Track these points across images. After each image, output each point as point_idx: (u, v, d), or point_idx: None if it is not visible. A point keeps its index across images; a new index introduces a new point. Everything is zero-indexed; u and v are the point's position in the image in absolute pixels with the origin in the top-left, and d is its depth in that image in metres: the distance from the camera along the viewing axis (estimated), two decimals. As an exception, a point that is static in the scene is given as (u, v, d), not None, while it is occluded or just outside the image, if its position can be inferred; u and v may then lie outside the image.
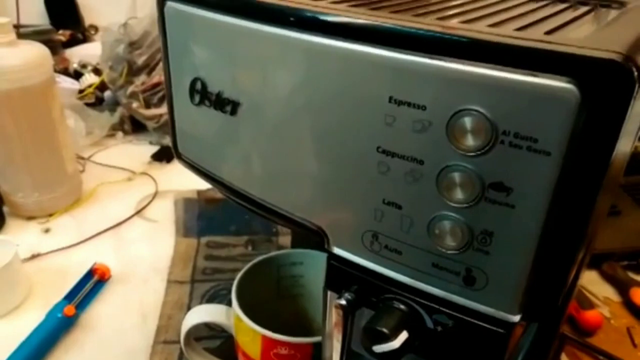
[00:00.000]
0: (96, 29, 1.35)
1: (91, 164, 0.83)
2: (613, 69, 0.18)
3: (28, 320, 0.51)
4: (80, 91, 0.97)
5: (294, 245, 0.56)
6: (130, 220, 0.70)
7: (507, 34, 0.21)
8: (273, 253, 0.45)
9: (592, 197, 0.20)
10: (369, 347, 0.25)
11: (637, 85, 0.18)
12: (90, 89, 0.97)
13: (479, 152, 0.20)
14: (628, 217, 0.66)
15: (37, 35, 1.02)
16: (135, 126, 0.92)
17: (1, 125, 0.63)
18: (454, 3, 0.28)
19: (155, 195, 0.76)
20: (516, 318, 0.23)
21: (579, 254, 0.22)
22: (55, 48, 1.09)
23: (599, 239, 0.31)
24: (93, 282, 0.57)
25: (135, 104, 0.89)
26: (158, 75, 0.88)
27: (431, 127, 0.21)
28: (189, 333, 0.42)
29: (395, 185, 0.23)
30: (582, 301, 0.55)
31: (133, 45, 0.88)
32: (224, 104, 0.28)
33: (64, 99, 0.74)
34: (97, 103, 0.98)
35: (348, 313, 0.27)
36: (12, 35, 0.62)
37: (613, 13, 0.29)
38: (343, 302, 0.27)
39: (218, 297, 0.58)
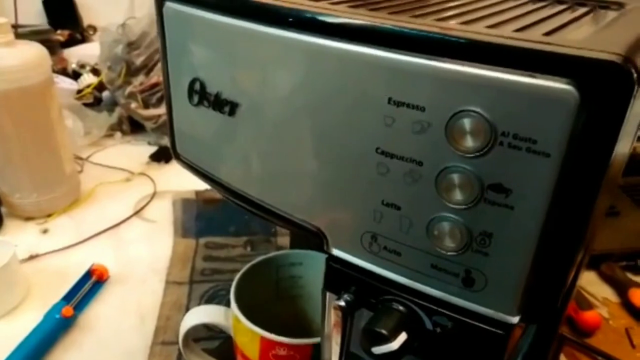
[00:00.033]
0: (94, 29, 1.35)
1: (89, 164, 0.83)
2: (612, 71, 0.18)
3: (26, 321, 0.51)
4: (79, 91, 0.97)
5: (293, 246, 0.56)
6: (129, 221, 0.70)
7: (506, 35, 0.21)
8: (272, 254, 0.45)
9: (592, 198, 0.20)
10: (368, 348, 0.25)
11: (636, 87, 0.18)
12: (89, 89, 0.97)
13: (478, 154, 0.20)
14: (627, 218, 0.67)
15: (35, 35, 1.02)
16: (133, 126, 0.92)
17: (-1, 125, 0.63)
18: (452, 4, 0.28)
19: (153, 195, 0.76)
20: (515, 319, 0.23)
21: (578, 255, 0.22)
22: (54, 48, 1.09)
23: (597, 239, 0.31)
24: (91, 283, 0.57)
25: (133, 104, 0.89)
26: (156, 76, 0.88)
27: (430, 128, 0.21)
28: (188, 334, 0.42)
29: (394, 187, 0.23)
30: (580, 302, 0.55)
31: (131, 46, 0.88)
32: (223, 105, 0.28)
33: (62, 99, 0.74)
34: (96, 103, 0.97)
35: (347, 314, 0.27)
36: (10, 36, 0.62)
37: (612, 14, 0.29)
38: (342, 303, 0.27)
39: (217, 298, 0.58)
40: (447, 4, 0.28)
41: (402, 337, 0.24)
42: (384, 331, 0.24)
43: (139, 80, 0.88)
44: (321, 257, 0.28)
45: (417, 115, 0.21)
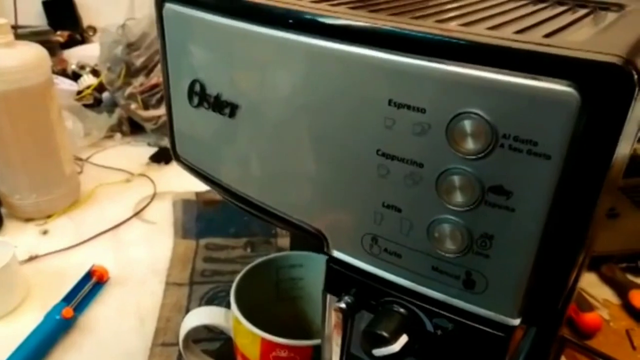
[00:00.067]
0: (94, 30, 1.35)
1: (89, 165, 0.83)
2: (613, 72, 0.18)
3: (26, 323, 0.51)
4: (79, 92, 0.97)
5: (293, 247, 0.56)
6: (129, 222, 0.70)
7: (506, 36, 0.21)
8: (272, 255, 0.45)
9: (593, 200, 0.20)
10: (368, 350, 0.24)
11: (637, 89, 0.18)
12: (89, 90, 0.97)
13: (478, 156, 0.20)
14: (627, 219, 0.66)
15: (35, 36, 1.02)
16: (133, 127, 0.92)
17: (-1, 126, 0.63)
18: (452, 6, 0.28)
19: (153, 196, 0.76)
20: (516, 322, 0.23)
21: (580, 257, 0.22)
22: (53, 49, 1.09)
23: (597, 241, 0.31)
24: (91, 284, 0.57)
25: (133, 105, 0.89)
26: (156, 77, 0.88)
27: (431, 130, 0.21)
28: (188, 335, 0.41)
29: (394, 188, 0.23)
30: (581, 303, 0.55)
31: (131, 47, 0.88)
32: (223, 106, 0.28)
33: (62, 100, 0.74)
34: (95, 104, 0.97)
35: (347, 316, 0.27)
36: (10, 36, 0.62)
37: (612, 16, 0.29)
38: (342, 305, 0.27)
39: (217, 299, 0.58)
40: (448, 5, 0.28)
41: (403, 339, 0.24)
42: (384, 333, 0.24)
43: (138, 81, 0.88)
44: (321, 259, 0.28)
45: (417, 117, 0.21)
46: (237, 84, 0.28)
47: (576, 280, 0.29)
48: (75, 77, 1.02)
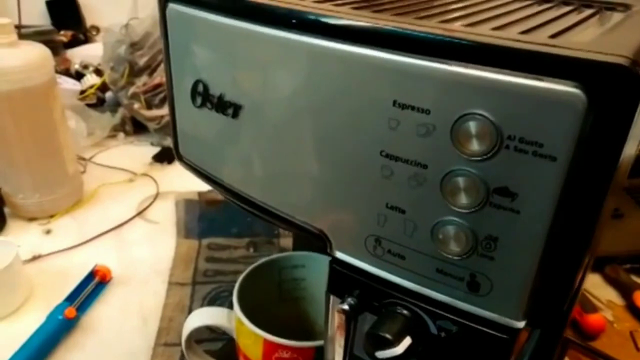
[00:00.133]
0: (97, 29, 1.36)
1: (92, 165, 0.83)
2: (620, 74, 0.18)
3: (29, 322, 0.51)
4: (82, 92, 0.97)
5: (296, 247, 0.56)
6: (131, 222, 0.70)
7: (511, 37, 0.21)
8: (274, 256, 0.45)
9: (599, 202, 0.20)
10: (371, 352, 0.24)
11: (644, 90, 0.18)
12: (92, 90, 0.97)
13: (483, 157, 0.20)
14: (631, 220, 0.66)
15: (38, 35, 1.02)
16: (136, 127, 0.92)
17: (2, 126, 0.63)
18: (456, 6, 0.28)
19: (156, 196, 0.76)
20: (521, 324, 0.22)
21: (585, 258, 0.22)
22: (57, 49, 1.09)
23: (601, 241, 0.31)
24: (94, 284, 0.57)
25: (136, 105, 0.89)
26: (159, 76, 0.88)
27: (435, 131, 0.21)
28: (190, 336, 0.41)
29: (398, 190, 0.23)
30: (585, 304, 0.55)
31: (134, 46, 0.88)
32: (226, 107, 0.28)
33: (65, 100, 0.74)
34: (99, 104, 0.98)
35: (350, 318, 0.27)
36: (14, 36, 0.62)
37: (618, 16, 0.29)
38: (345, 307, 0.27)
39: (219, 299, 0.58)
40: (452, 5, 0.27)
41: (407, 341, 0.24)
42: (388, 335, 0.24)
43: (142, 81, 0.88)
44: (324, 260, 0.28)
45: (422, 118, 0.21)
46: (240, 84, 0.27)
47: (581, 281, 0.28)
48: (78, 76, 1.02)
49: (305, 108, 0.25)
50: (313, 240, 0.28)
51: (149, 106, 0.89)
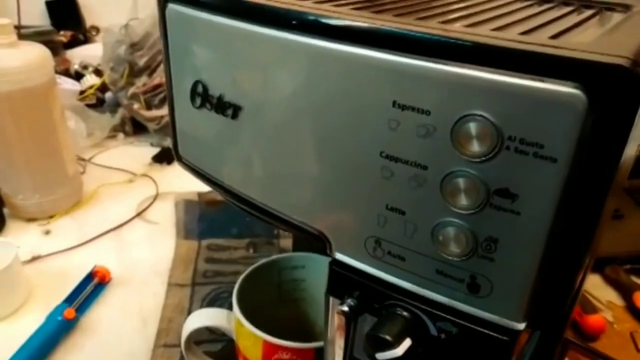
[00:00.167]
0: (97, 30, 1.35)
1: (92, 165, 0.83)
2: (621, 74, 0.18)
3: (28, 323, 0.51)
4: (81, 92, 0.97)
5: (296, 248, 0.56)
6: (131, 222, 0.70)
7: (512, 38, 0.20)
8: (274, 257, 0.44)
9: (599, 203, 0.20)
10: (371, 354, 0.24)
11: (645, 91, 0.18)
12: (91, 90, 0.97)
13: (484, 158, 0.20)
14: (631, 221, 0.66)
15: (38, 36, 1.02)
16: (136, 127, 0.92)
17: (2, 126, 0.63)
18: (457, 6, 0.27)
19: (156, 197, 0.76)
20: (521, 326, 0.22)
21: (586, 260, 0.22)
22: (56, 49, 1.09)
23: (601, 242, 0.31)
24: (93, 285, 0.57)
25: (136, 106, 0.89)
26: (159, 77, 0.88)
27: (435, 132, 0.21)
28: (190, 337, 0.41)
29: (398, 191, 0.23)
30: (585, 305, 0.55)
31: (134, 47, 0.88)
32: (225, 108, 0.28)
33: (64, 100, 0.74)
34: (98, 104, 0.97)
35: (350, 319, 0.27)
36: (13, 37, 0.62)
37: (618, 17, 0.29)
38: (345, 308, 0.27)
39: (219, 300, 0.57)
40: (453, 6, 0.27)
41: (407, 343, 0.24)
42: (388, 337, 0.24)
43: (141, 81, 0.88)
44: (324, 260, 0.28)
45: (422, 119, 0.21)
46: (239, 85, 0.27)
47: (581, 282, 0.28)
48: (78, 77, 1.02)
49: (305, 109, 0.25)
50: (313, 241, 0.28)
51: (149, 107, 0.89)
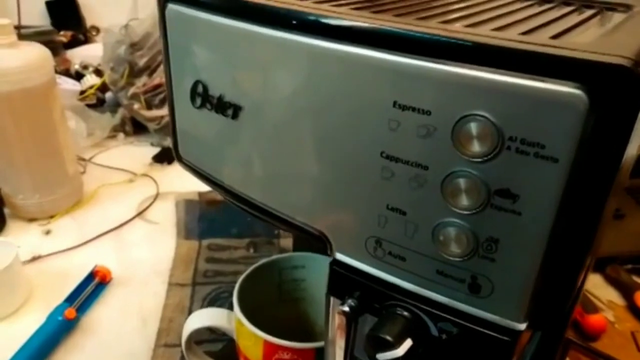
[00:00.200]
0: (97, 30, 1.35)
1: (92, 165, 0.83)
2: (622, 74, 0.18)
3: (28, 323, 0.51)
4: (82, 92, 0.97)
5: (296, 248, 0.56)
6: (131, 222, 0.70)
7: (512, 38, 0.20)
8: (275, 256, 0.44)
9: (601, 203, 0.20)
10: (372, 354, 0.24)
11: (646, 91, 0.17)
12: (92, 90, 0.97)
13: (485, 158, 0.20)
14: (632, 220, 0.66)
15: (38, 36, 1.02)
16: (136, 127, 0.92)
17: (2, 126, 0.63)
18: (457, 6, 0.27)
19: (156, 197, 0.76)
20: (522, 326, 0.22)
21: (587, 260, 0.22)
22: (57, 49, 1.09)
23: (602, 242, 0.31)
24: (94, 285, 0.57)
25: (136, 106, 0.89)
26: (159, 77, 0.88)
27: (436, 133, 0.21)
28: (190, 337, 0.41)
29: (399, 191, 0.23)
30: (586, 305, 0.55)
31: (134, 47, 0.88)
32: (226, 108, 0.28)
33: (65, 100, 0.74)
34: (99, 104, 0.98)
35: (351, 320, 0.27)
36: (13, 37, 0.62)
37: (619, 17, 0.28)
38: (346, 308, 0.26)
39: (219, 299, 0.57)
40: (453, 6, 0.27)
41: (407, 343, 0.24)
42: (388, 337, 0.24)
43: (142, 81, 0.88)
44: (324, 260, 0.28)
45: (422, 119, 0.21)
46: (240, 85, 0.27)
47: (582, 282, 0.28)
48: (78, 77, 1.02)
49: (305, 109, 0.25)
50: (313, 241, 0.28)
51: (149, 106, 0.89)
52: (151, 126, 0.89)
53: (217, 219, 0.71)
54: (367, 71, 0.22)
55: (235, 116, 0.28)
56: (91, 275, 0.58)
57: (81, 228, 0.68)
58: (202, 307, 0.56)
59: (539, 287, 0.21)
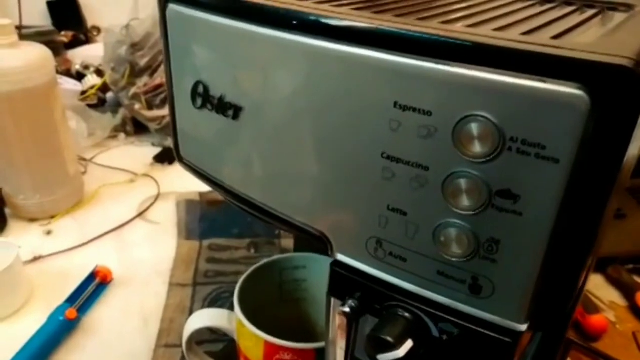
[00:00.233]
0: (98, 30, 1.36)
1: (93, 165, 0.83)
2: (623, 75, 0.17)
3: (30, 323, 0.51)
4: (83, 92, 0.97)
5: (297, 248, 0.56)
6: (132, 223, 0.70)
7: (513, 38, 0.20)
8: (276, 257, 0.44)
9: (602, 204, 0.20)
10: (373, 355, 0.24)
11: (647, 91, 0.17)
12: (93, 91, 0.97)
13: (486, 159, 0.20)
14: (633, 220, 0.66)
15: (39, 36, 1.02)
16: (137, 128, 0.92)
17: (3, 127, 0.63)
18: (458, 7, 0.27)
19: (157, 197, 0.76)
20: (523, 327, 0.22)
21: (588, 260, 0.22)
22: (58, 49, 1.09)
23: (604, 242, 0.31)
24: (95, 285, 0.57)
25: (137, 106, 0.89)
26: (160, 77, 0.88)
27: (437, 133, 0.21)
28: (191, 337, 0.41)
29: (400, 192, 0.23)
30: (587, 305, 0.54)
31: (135, 47, 0.88)
32: (226, 108, 0.28)
33: (66, 101, 0.74)
34: (100, 104, 0.98)
35: (352, 320, 0.27)
36: (14, 37, 0.62)
37: (620, 16, 0.28)
38: (347, 309, 0.26)
39: (220, 300, 0.57)
40: (454, 6, 0.27)
41: (408, 344, 0.24)
42: (389, 338, 0.24)
43: (142, 82, 0.88)
44: (325, 261, 0.28)
45: (423, 119, 0.21)
46: (240, 85, 0.27)
47: (584, 283, 0.28)
48: (79, 77, 1.02)
49: (305, 109, 0.25)
50: (314, 242, 0.28)
51: (150, 107, 0.89)
52: (152, 126, 0.89)
53: (218, 220, 0.71)
54: (367, 71, 0.22)
55: (236, 117, 0.28)
56: (92, 276, 0.58)
57: (82, 228, 0.68)
58: (203, 307, 0.56)
59: (540, 288, 0.21)
